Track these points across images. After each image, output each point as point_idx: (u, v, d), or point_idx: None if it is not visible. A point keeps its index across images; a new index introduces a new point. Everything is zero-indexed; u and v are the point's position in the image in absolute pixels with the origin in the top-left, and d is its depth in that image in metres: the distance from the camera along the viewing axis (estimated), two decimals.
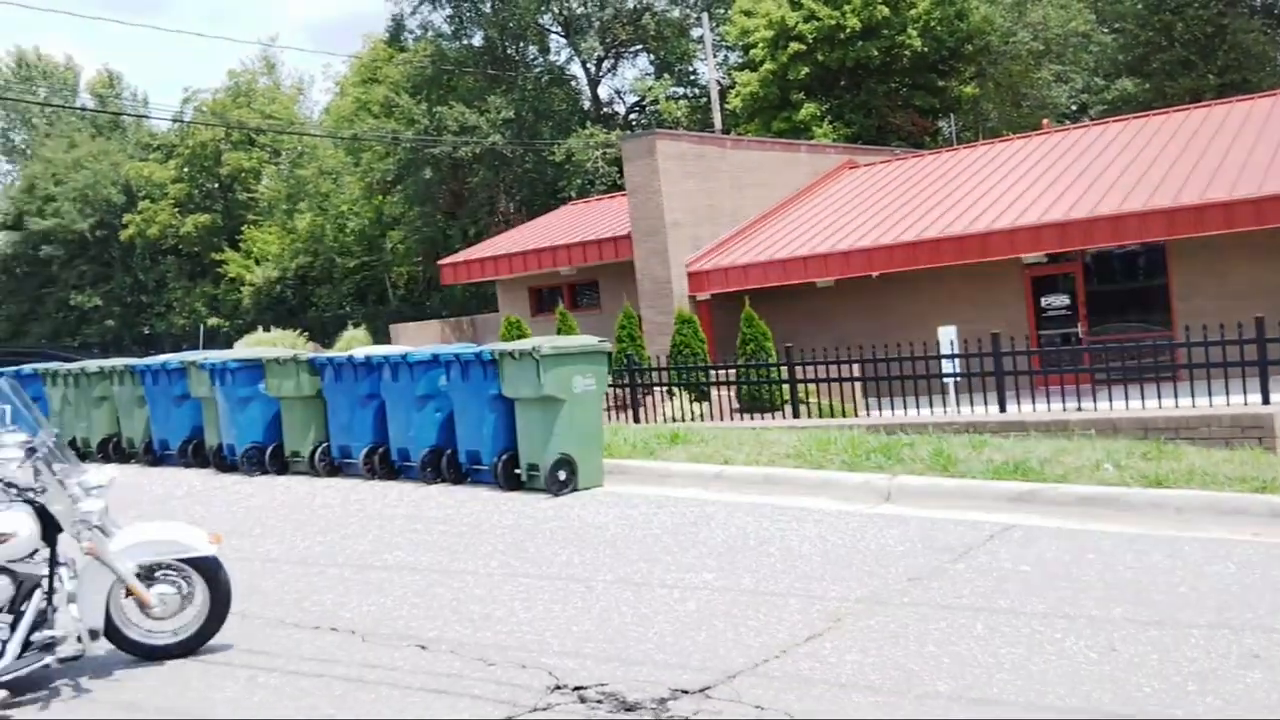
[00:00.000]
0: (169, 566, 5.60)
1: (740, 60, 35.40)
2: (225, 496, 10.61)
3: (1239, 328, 10.27)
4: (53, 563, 5.40)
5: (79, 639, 5.28)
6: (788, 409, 13.28)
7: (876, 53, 30.16)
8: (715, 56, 34.63)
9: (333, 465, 11.12)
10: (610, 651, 5.34)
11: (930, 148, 29.17)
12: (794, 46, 30.16)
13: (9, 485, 5.39)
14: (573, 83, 39.58)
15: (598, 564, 6.99)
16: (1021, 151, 21.47)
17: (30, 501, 5.38)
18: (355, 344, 28.50)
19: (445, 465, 10.16)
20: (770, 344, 15.67)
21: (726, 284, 19.77)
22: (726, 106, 33.09)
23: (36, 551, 5.37)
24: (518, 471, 9.58)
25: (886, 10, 29.74)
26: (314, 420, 11.24)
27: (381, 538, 8.26)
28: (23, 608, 5.29)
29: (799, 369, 12.85)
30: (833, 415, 12.73)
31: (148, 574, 5.55)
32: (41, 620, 5.31)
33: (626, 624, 5.76)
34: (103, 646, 5.46)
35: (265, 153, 45.72)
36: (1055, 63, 34.11)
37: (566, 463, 9.27)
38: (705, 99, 35.89)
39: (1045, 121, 26.38)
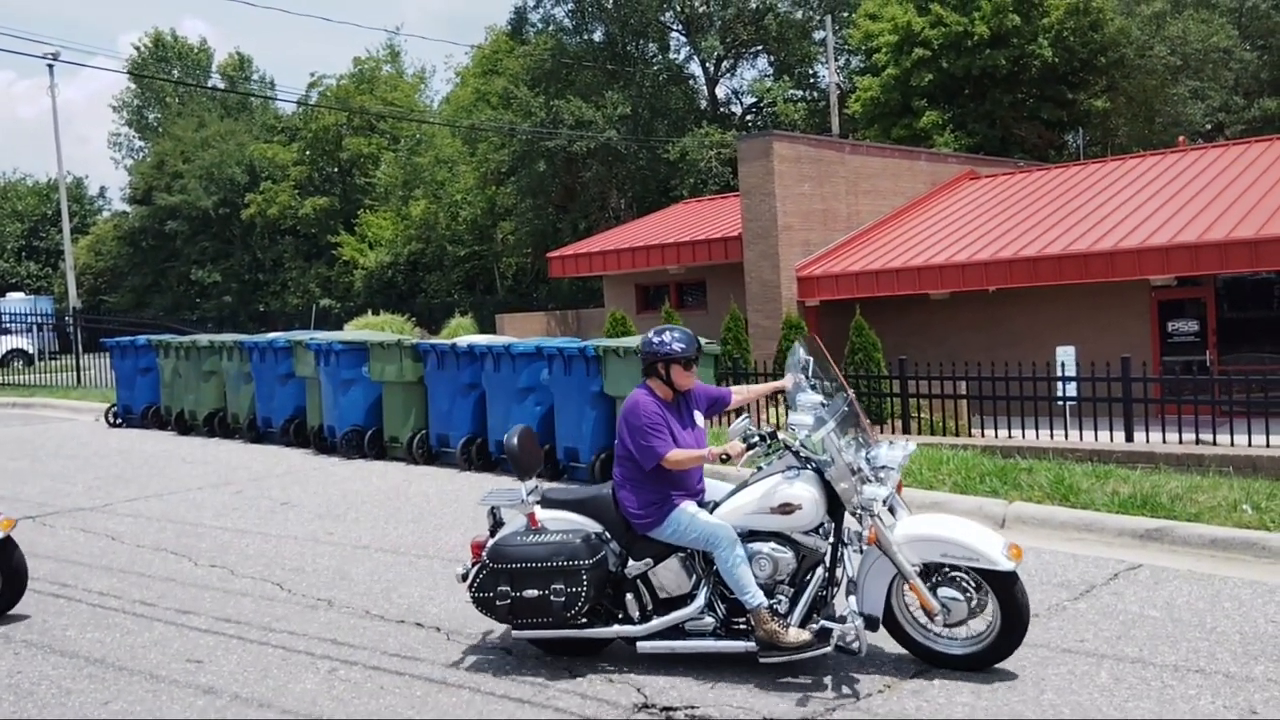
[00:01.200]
0: (954, 568, 4.92)
1: (862, 64, 34.70)
2: (321, 478, 10.63)
3: None
4: (837, 542, 5.04)
5: (854, 629, 4.78)
6: (898, 424, 12.80)
7: (1004, 61, 29.19)
8: (836, 60, 34.03)
9: (430, 453, 11.07)
10: (701, 674, 5.08)
11: (1056, 161, 28.15)
12: (918, 52, 29.39)
13: (798, 452, 5.06)
14: (691, 81, 39.32)
15: None
16: (1154, 169, 20.51)
17: (818, 471, 5.01)
18: (461, 332, 28.72)
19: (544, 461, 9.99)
20: (879, 355, 15.18)
21: (837, 291, 19.30)
22: (846, 111, 32.47)
23: (821, 526, 5.01)
24: None
25: (1017, 19, 28.75)
26: (414, 406, 11.20)
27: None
28: (807, 579, 4.99)
29: (910, 382, 12.37)
30: (943, 433, 12.22)
31: (928, 573, 4.93)
32: (820, 603, 4.99)
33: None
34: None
35: (384, 139, 46.52)
36: (1193, 78, 32.56)
37: None
38: (824, 102, 35.30)
39: (1182, 139, 25.15)
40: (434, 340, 11.76)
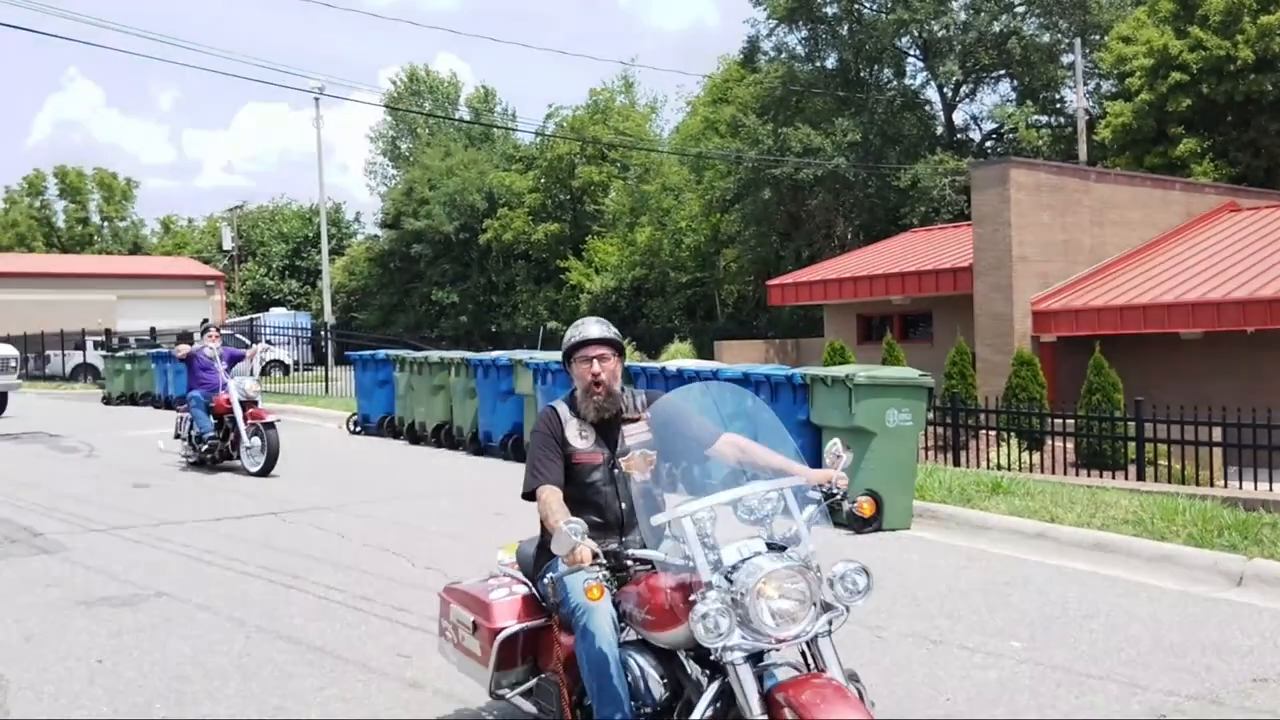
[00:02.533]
0: None
1: (1113, 89, 32.94)
2: None
3: None
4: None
5: None
6: (1132, 469, 12.02)
7: (1270, 87, 27.00)
8: (1085, 84, 32.44)
9: None
10: (893, 708, 4.91)
11: None
12: (1175, 76, 27.60)
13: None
14: (926, 107, 38.43)
15: (893, 613, 6.51)
16: None
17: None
18: (679, 357, 29.08)
19: None
20: (1119, 395, 14.29)
21: (1076, 327, 18.35)
22: (1094, 138, 30.87)
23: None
24: None
25: None
26: None
27: None
28: None
29: (1149, 425, 11.58)
30: (1185, 482, 11.39)
31: None
32: None
33: (915, 683, 5.29)
34: None
35: (615, 167, 47.81)
36: None
37: (873, 500, 8.78)
38: (1070, 129, 33.69)
39: None
40: (645, 364, 11.92)
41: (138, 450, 14.47)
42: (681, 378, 10.78)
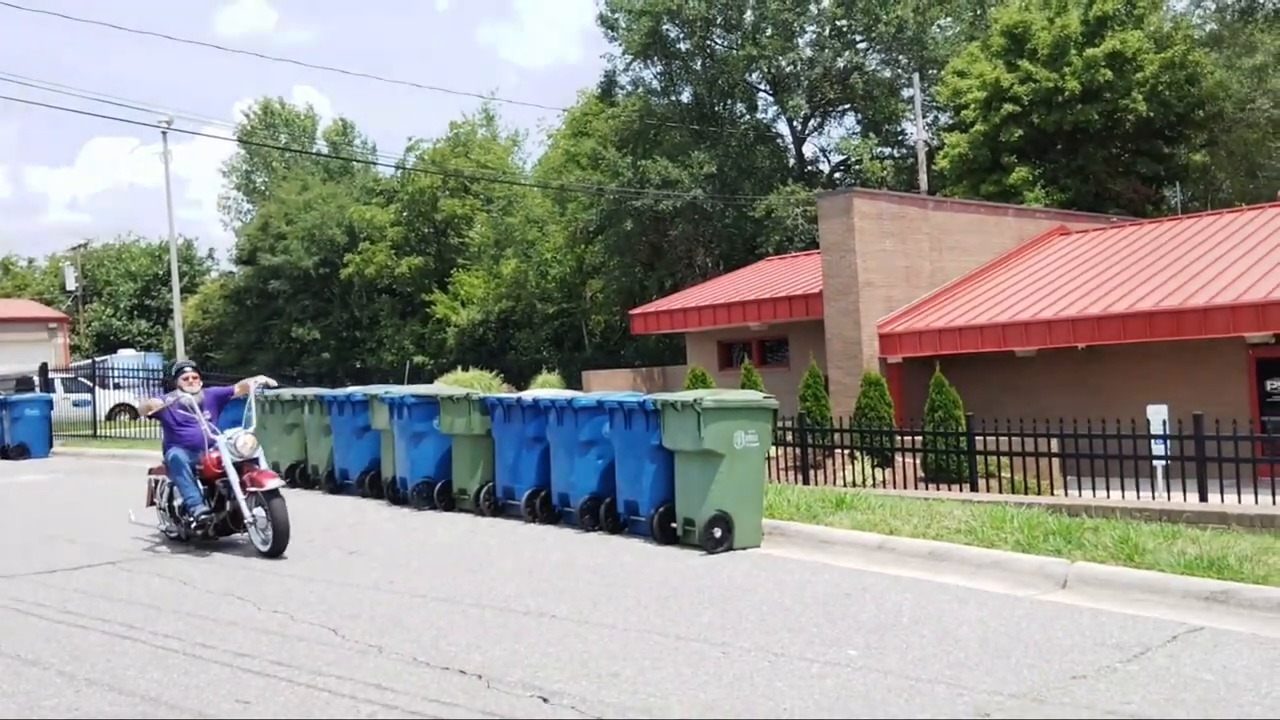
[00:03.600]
0: None
1: (950, 121, 34.54)
2: (391, 528, 10.85)
3: None
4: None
5: None
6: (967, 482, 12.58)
7: (1097, 116, 28.75)
8: (925, 117, 33.92)
9: (496, 505, 11.22)
10: None
11: (1153, 216, 27.51)
12: (1008, 108, 29.14)
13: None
14: (778, 140, 39.59)
15: (739, 629, 6.69)
16: (1252, 224, 19.94)
17: None
18: (548, 387, 29.08)
19: (604, 513, 10.06)
20: (960, 412, 14.97)
21: (919, 348, 19.10)
22: (934, 168, 32.29)
23: None
24: (674, 525, 9.37)
25: (1109, 74, 28.34)
26: (482, 459, 11.39)
27: (529, 582, 8.20)
28: None
29: (979, 439, 12.15)
30: (1025, 492, 11.96)
31: None
32: None
33: (756, 696, 5.45)
34: None
35: (478, 200, 47.70)
36: None
37: (723, 520, 9.00)
38: (912, 159, 35.17)
39: None
40: (502, 395, 11.95)
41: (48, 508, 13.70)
42: (538, 407, 10.85)
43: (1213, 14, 34.42)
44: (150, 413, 10.53)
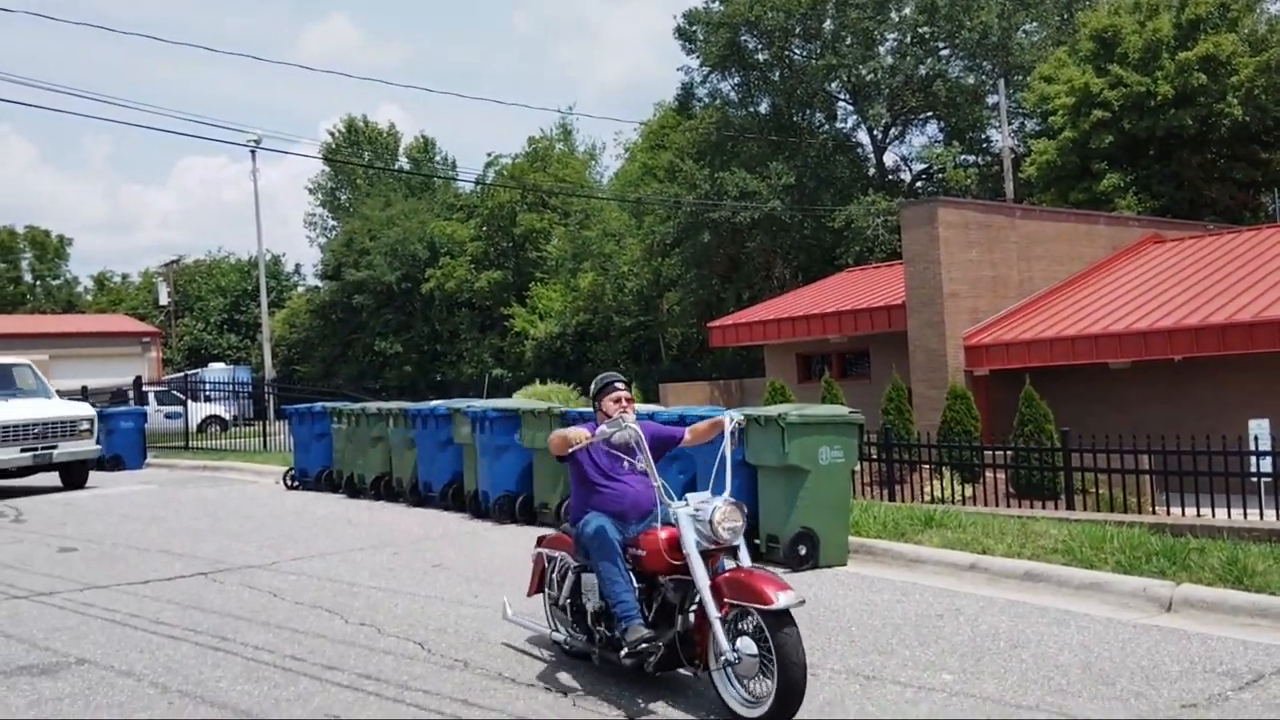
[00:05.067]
0: None
1: (1037, 128, 33.82)
2: (473, 542, 10.87)
3: None
4: None
5: None
6: (1064, 498, 12.21)
7: (1191, 121, 27.90)
8: (1010, 124, 33.27)
9: None
10: None
11: (1251, 223, 26.58)
12: (1097, 114, 28.43)
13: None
14: (858, 149, 39.18)
15: (828, 650, 6.53)
16: None
17: None
18: None
19: None
20: (1051, 426, 14.55)
21: (1007, 360, 18.67)
22: (1020, 176, 31.63)
23: None
24: (757, 542, 9.22)
25: (1204, 78, 27.48)
26: (563, 474, 11.34)
27: None
28: None
29: (1075, 455, 11.78)
30: (1122, 510, 11.58)
31: None
32: None
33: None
34: None
35: (555, 214, 48.03)
36: None
37: (807, 537, 8.84)
38: (997, 167, 34.51)
39: None
40: (582, 409, 11.91)
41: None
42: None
43: None
44: (566, 450, 6.03)
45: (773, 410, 9.03)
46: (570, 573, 6.27)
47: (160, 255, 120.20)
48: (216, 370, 42.01)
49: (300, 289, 65.85)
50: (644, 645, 5.45)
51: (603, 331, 42.60)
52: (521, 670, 6.32)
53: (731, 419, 6.12)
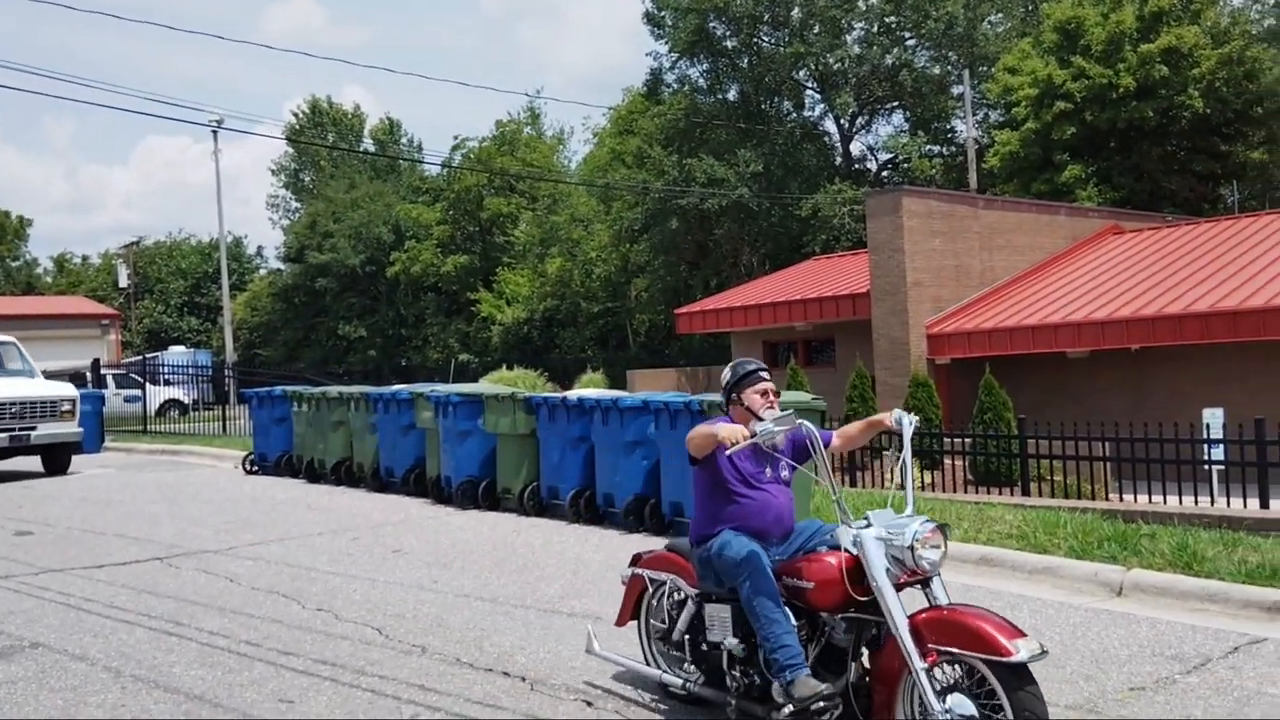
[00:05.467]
0: None
1: (1001, 119, 34.07)
2: (435, 527, 10.85)
3: None
4: None
5: None
6: (1021, 486, 12.36)
7: (1152, 114, 28.19)
8: (975, 114, 33.47)
9: (540, 505, 11.19)
10: None
11: (1209, 215, 26.93)
12: (1060, 105, 28.66)
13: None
14: (825, 138, 39.29)
15: None
16: None
17: None
18: (592, 387, 29.06)
19: (648, 514, 9.99)
20: (1010, 414, 14.71)
21: (968, 349, 18.82)
22: (984, 166, 31.86)
23: None
24: None
25: (1165, 70, 27.77)
26: (526, 459, 11.35)
27: (573, 584, 8.15)
28: None
29: (1031, 442, 11.92)
30: (1077, 496, 11.73)
31: None
32: None
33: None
34: None
35: (523, 199, 47.83)
36: None
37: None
38: (962, 157, 34.73)
39: None
40: (546, 394, 11.90)
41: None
42: (583, 407, 10.81)
43: (1271, 8, 33.66)
44: (710, 449, 4.96)
45: None
46: (690, 602, 5.19)
47: (121, 236, 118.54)
48: (176, 353, 41.53)
49: (262, 272, 65.22)
50: (821, 703, 4.39)
51: (570, 317, 42.55)
52: (480, 656, 6.31)
53: (907, 418, 4.84)
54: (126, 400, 29.56)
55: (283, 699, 5.64)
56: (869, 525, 4.47)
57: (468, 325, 47.37)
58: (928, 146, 36.65)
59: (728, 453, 4.75)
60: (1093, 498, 11.83)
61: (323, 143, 58.01)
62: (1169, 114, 28.47)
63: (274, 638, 6.82)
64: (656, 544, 9.66)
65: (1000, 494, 11.77)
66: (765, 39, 37.49)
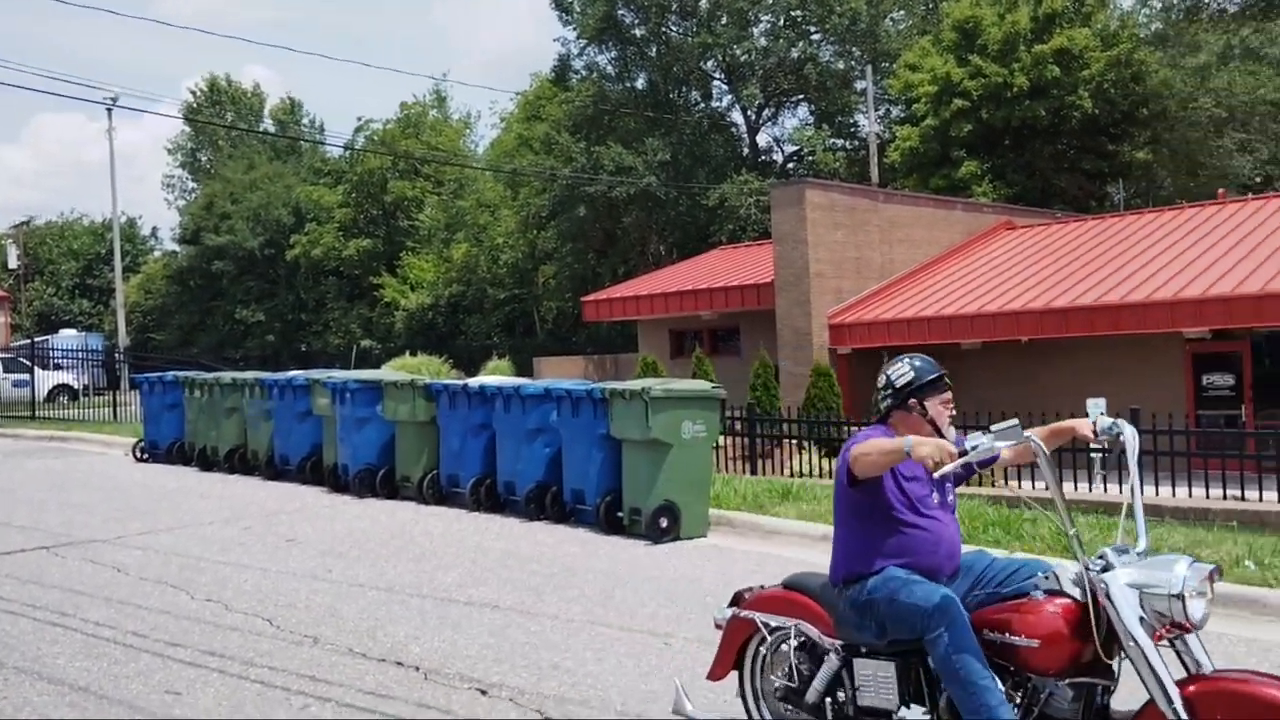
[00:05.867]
0: None
1: (902, 114, 34.77)
2: (331, 515, 10.71)
3: None
4: None
5: None
6: None
7: (1044, 113, 29.07)
8: (877, 109, 34.11)
9: (440, 493, 11.12)
10: (672, 715, 5.01)
11: (1097, 213, 27.88)
12: (958, 103, 29.37)
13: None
14: (732, 129, 39.62)
15: (683, 620, 6.68)
16: (1192, 221, 20.25)
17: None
18: (498, 374, 28.91)
19: (549, 502, 10.01)
20: None
21: (868, 339, 19.20)
22: (885, 160, 32.49)
23: None
24: (620, 515, 9.34)
25: (1057, 70, 28.65)
26: (426, 446, 11.26)
27: (472, 572, 8.13)
28: None
29: None
30: (972, 484, 12.08)
31: None
32: None
33: (696, 689, 5.42)
34: None
35: (429, 183, 47.19)
36: (1239, 131, 32.24)
37: (669, 510, 8.98)
38: (864, 152, 35.36)
39: (1221, 192, 24.86)
40: (446, 380, 11.82)
41: None
42: (484, 394, 10.76)
43: (1158, 13, 34.90)
44: (888, 467, 4.02)
45: (636, 384, 9.14)
46: (833, 656, 4.15)
47: (11, 216, 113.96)
48: (67, 337, 40.05)
49: (157, 254, 63.22)
50: None
51: (476, 304, 42.20)
52: (373, 646, 6.27)
53: (1130, 429, 3.98)
54: (15, 385, 28.43)
55: (169, 691, 5.54)
56: (1106, 564, 3.60)
57: (370, 310, 46.62)
58: (832, 140, 37.24)
59: (938, 474, 3.80)
60: (980, 485, 12.17)
61: (221, 122, 56.44)
62: (1060, 113, 29.38)
63: (161, 629, 6.67)
64: (558, 532, 9.78)
65: None
66: (673, 28, 37.61)
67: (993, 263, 21.05)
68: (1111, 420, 3.88)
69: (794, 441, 14.65)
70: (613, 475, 9.48)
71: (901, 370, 4.26)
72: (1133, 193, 32.25)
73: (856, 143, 37.91)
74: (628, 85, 38.32)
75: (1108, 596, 3.46)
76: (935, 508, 4.10)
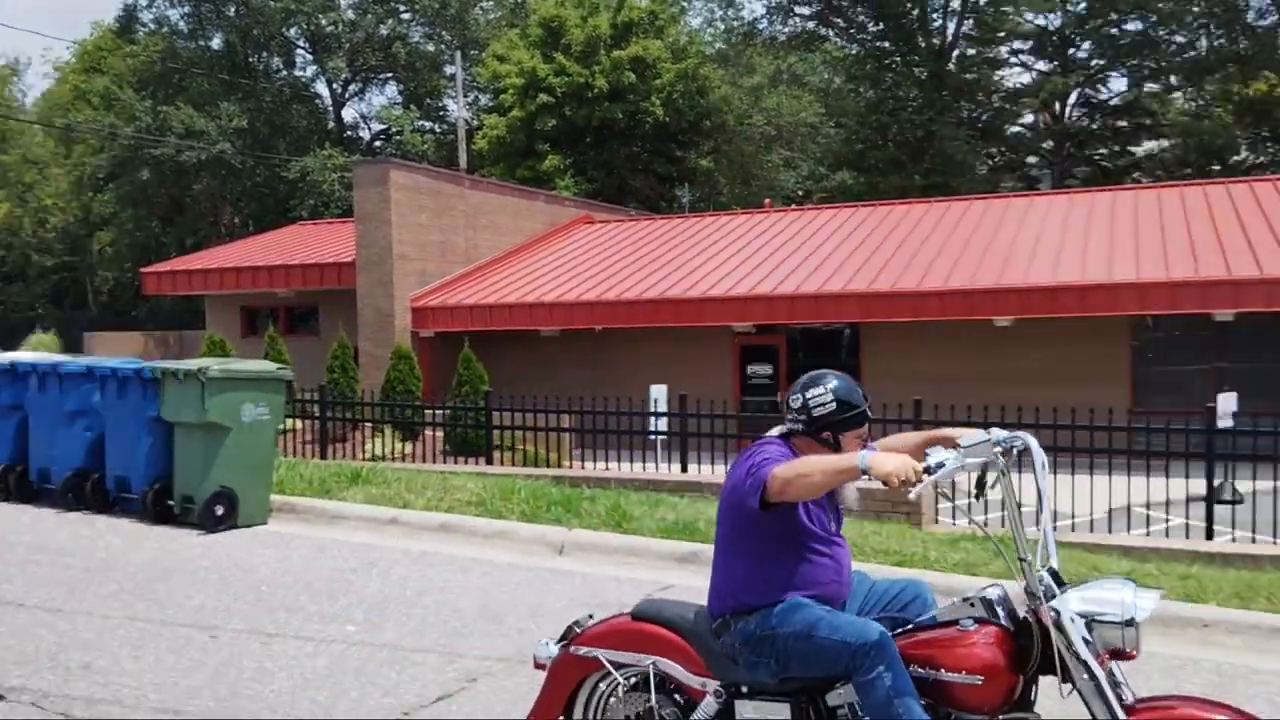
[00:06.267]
0: None
1: (490, 103, 35.34)
2: None
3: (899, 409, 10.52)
4: None
5: None
6: (495, 454, 13.02)
7: (621, 115, 30.81)
8: (466, 96, 34.39)
9: None
10: (216, 709, 4.83)
11: (666, 213, 29.99)
12: (543, 98, 30.37)
13: None
14: (316, 101, 38.27)
15: (233, 610, 6.41)
16: (744, 226, 22.38)
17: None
18: (42, 349, 26.00)
19: (90, 490, 9.18)
20: (486, 387, 15.38)
21: (451, 323, 19.39)
22: (474, 147, 32.86)
23: None
24: (171, 503, 8.76)
25: (633, 76, 30.46)
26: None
27: None
28: None
29: (497, 414, 12.65)
30: (540, 464, 12.55)
31: None
32: None
33: (243, 680, 5.24)
34: None
35: None
36: (785, 149, 36.04)
37: (226, 496, 8.56)
38: (453, 136, 35.55)
39: (767, 201, 27.75)
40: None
41: None
42: (15, 371, 9.68)
43: (721, 34, 38.13)
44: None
45: (191, 364, 8.61)
46: (710, 700, 3.57)
47: None
48: None
49: None
50: None
51: (19, 270, 37.70)
52: None
53: (1035, 441, 3.45)
54: None
55: None
56: (1050, 592, 3.26)
57: None
58: (420, 122, 37.09)
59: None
60: (558, 466, 12.75)
61: None
62: (635, 118, 31.28)
63: None
64: (99, 522, 9.02)
65: (473, 463, 12.29)
66: None
67: (572, 254, 22.01)
68: (1009, 434, 3.42)
69: (371, 425, 14.49)
70: (164, 461, 8.86)
71: (823, 399, 3.63)
72: (697, 197, 35.03)
73: (446, 126, 38.03)
74: (202, 44, 35.86)
75: (1057, 625, 3.18)
76: (835, 532, 3.68)
